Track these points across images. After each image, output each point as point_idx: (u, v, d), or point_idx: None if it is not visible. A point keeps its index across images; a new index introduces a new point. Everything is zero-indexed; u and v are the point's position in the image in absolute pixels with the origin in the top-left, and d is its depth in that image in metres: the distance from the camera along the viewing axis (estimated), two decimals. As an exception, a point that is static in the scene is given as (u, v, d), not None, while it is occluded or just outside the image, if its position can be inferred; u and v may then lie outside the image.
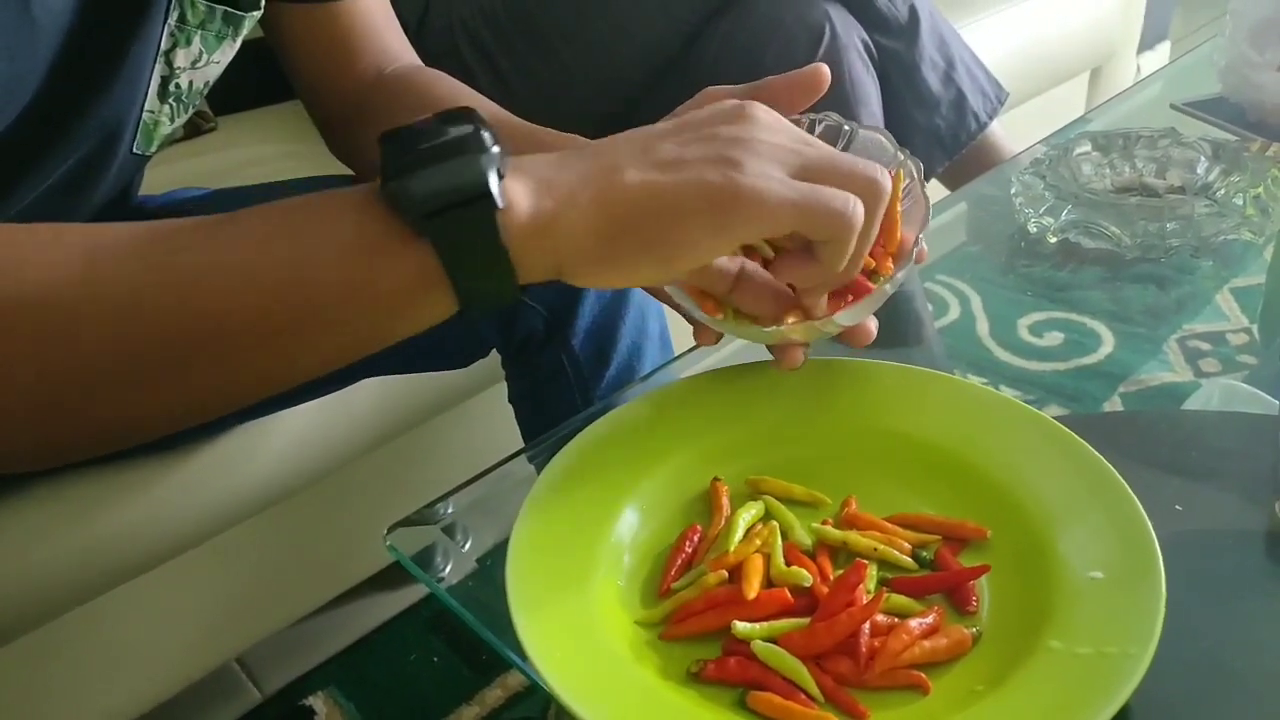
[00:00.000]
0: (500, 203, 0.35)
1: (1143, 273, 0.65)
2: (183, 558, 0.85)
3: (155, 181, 0.74)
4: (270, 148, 1.05)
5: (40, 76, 0.51)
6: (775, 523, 0.42)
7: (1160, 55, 1.91)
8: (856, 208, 0.37)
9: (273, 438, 0.84)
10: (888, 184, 0.38)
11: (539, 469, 0.52)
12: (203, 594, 0.90)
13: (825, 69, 0.43)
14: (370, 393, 0.88)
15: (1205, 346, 0.61)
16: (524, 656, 0.35)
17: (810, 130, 0.46)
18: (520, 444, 0.78)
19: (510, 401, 0.78)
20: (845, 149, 0.47)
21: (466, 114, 0.38)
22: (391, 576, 1.07)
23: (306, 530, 0.95)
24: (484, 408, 1.01)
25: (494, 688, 1.00)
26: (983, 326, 0.64)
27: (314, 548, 0.97)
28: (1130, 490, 0.39)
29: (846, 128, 0.47)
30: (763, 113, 0.39)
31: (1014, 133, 1.18)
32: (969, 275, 0.68)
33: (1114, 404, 0.57)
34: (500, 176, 0.36)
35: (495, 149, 0.36)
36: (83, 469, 0.77)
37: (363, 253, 0.36)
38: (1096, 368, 0.59)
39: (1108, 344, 0.61)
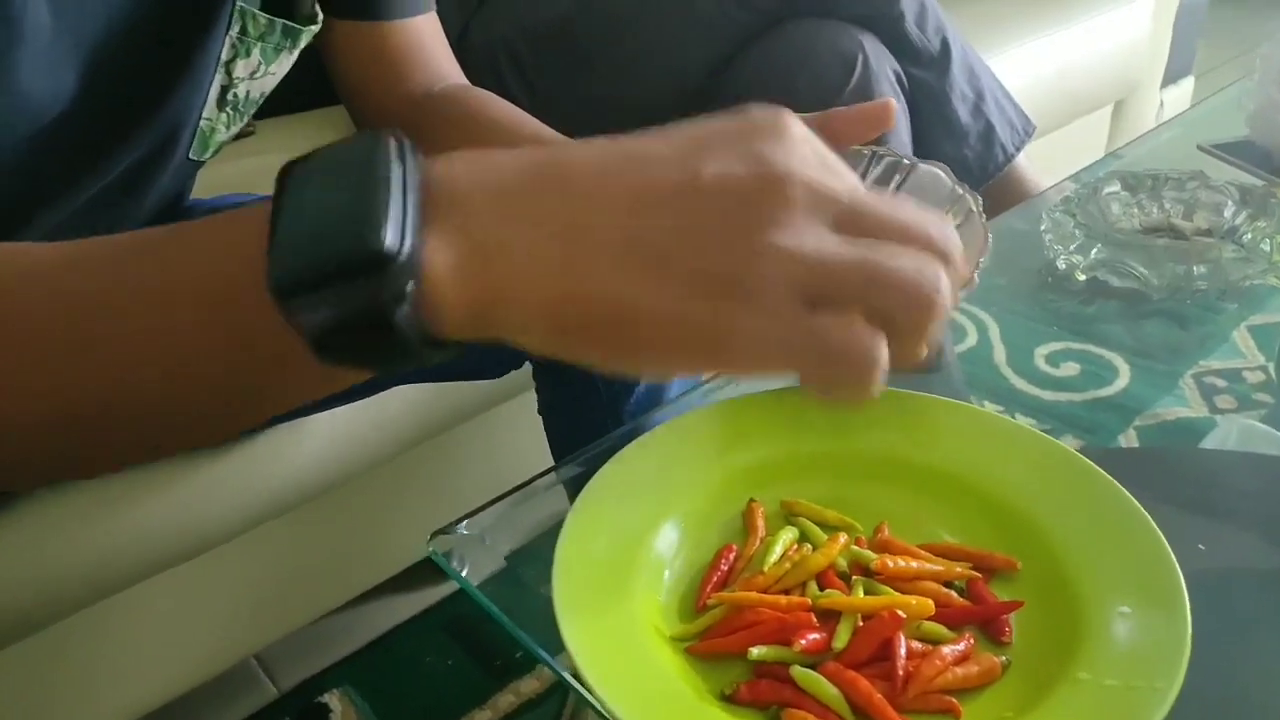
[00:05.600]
0: (410, 322, 0.27)
1: (1160, 308, 0.65)
2: (206, 555, 0.86)
3: (195, 184, 0.76)
4: (308, 154, 1.07)
5: (96, 77, 0.53)
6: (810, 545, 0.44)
7: (1184, 90, 1.92)
8: (875, 352, 0.29)
9: (305, 440, 0.86)
10: (942, 297, 0.30)
11: (567, 486, 0.53)
12: (224, 591, 0.91)
13: (893, 104, 0.44)
14: (401, 400, 0.89)
15: (1221, 383, 0.61)
16: (573, 667, 0.36)
17: (869, 165, 0.48)
18: (545, 454, 0.79)
19: (539, 412, 0.80)
20: (903, 182, 0.48)
21: (370, 162, 0.28)
22: (409, 579, 1.08)
23: (328, 531, 0.97)
24: (507, 416, 1.02)
25: (507, 693, 1.01)
26: (1000, 354, 0.64)
27: (335, 549, 0.99)
28: (1156, 527, 0.41)
29: (906, 162, 0.48)
30: (800, 187, 0.29)
31: (1038, 164, 1.19)
32: (988, 303, 0.68)
33: (1129, 437, 0.58)
34: (411, 262, 0.27)
35: (402, 247, 0.27)
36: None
37: (253, 361, 0.30)
38: (1112, 400, 0.60)
39: (1124, 377, 0.62)
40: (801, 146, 0.30)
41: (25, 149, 0.52)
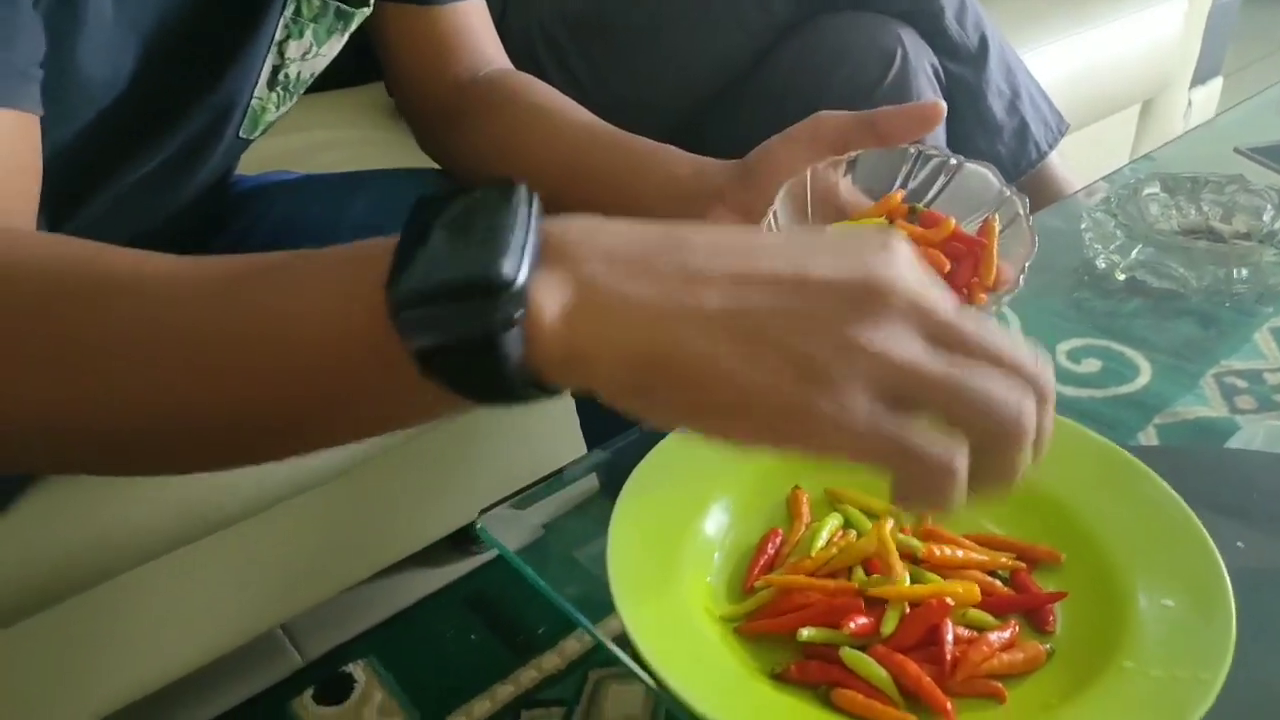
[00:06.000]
0: (516, 352, 0.29)
1: (1184, 307, 0.66)
2: (236, 528, 0.88)
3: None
4: (345, 132, 1.08)
5: (152, 55, 0.54)
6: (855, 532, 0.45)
7: (1212, 90, 1.91)
8: (954, 466, 0.29)
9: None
10: (1027, 422, 0.30)
11: (600, 472, 0.54)
12: (253, 563, 0.93)
13: (942, 105, 0.45)
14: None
15: (1242, 384, 0.61)
16: (631, 645, 0.38)
17: (915, 164, 0.49)
18: (569, 434, 0.80)
19: (573, 394, 0.81)
20: (948, 183, 0.48)
21: (501, 202, 0.30)
22: (433, 554, 1.10)
23: (354, 507, 0.98)
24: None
25: (529, 669, 1.02)
26: None
27: (360, 523, 1.00)
28: (1198, 522, 0.42)
29: (953, 162, 0.49)
30: (901, 298, 0.30)
31: (1065, 161, 1.20)
32: (1012, 298, 0.69)
33: (1149, 434, 0.58)
34: (524, 294, 0.28)
35: (518, 277, 0.28)
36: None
37: (359, 370, 0.31)
38: (1133, 397, 0.60)
39: (1145, 374, 0.62)
40: (908, 263, 0.31)
41: (85, 129, 0.53)
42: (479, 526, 0.52)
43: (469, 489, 1.04)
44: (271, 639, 1.08)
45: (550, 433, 1.04)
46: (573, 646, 1.04)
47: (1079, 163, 1.26)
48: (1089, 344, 0.65)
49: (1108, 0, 1.51)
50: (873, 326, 0.29)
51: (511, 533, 0.52)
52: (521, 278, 0.28)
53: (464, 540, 1.15)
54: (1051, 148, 1.11)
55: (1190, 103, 1.81)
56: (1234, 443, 0.58)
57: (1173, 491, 0.43)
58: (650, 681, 0.37)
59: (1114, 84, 1.54)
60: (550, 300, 0.29)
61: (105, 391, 0.32)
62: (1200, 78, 1.83)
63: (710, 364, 0.29)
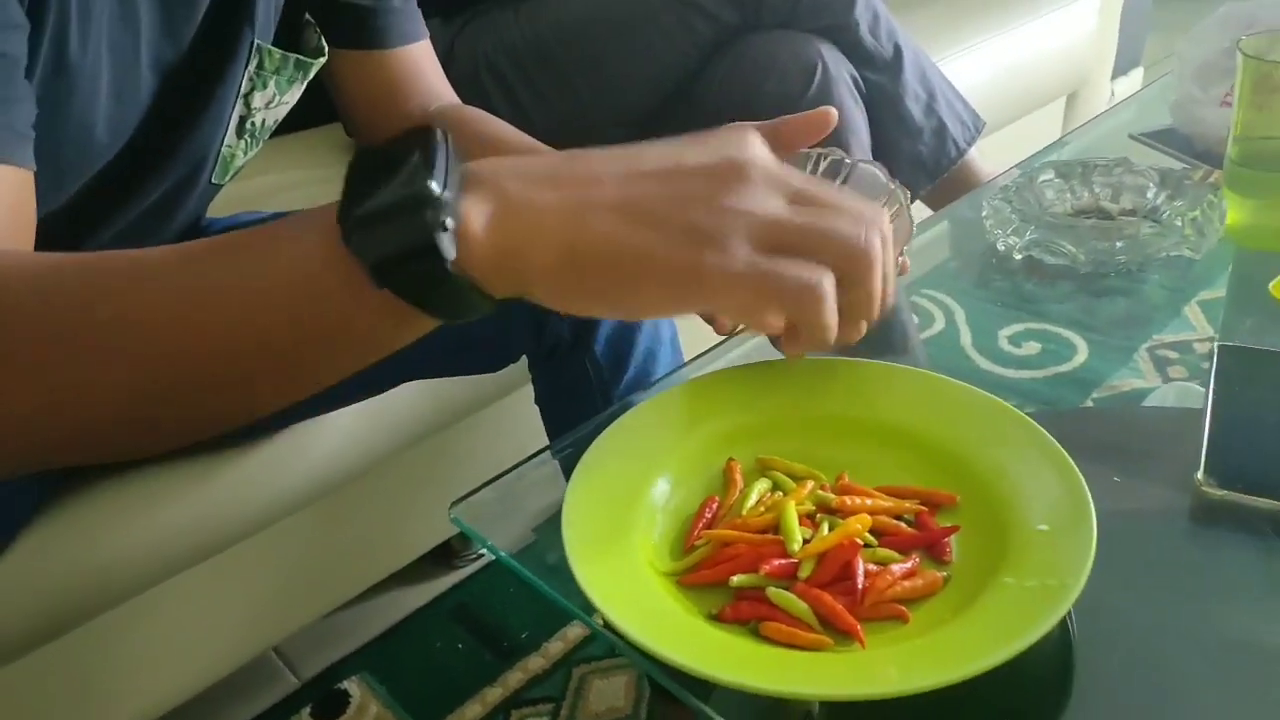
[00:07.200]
0: (451, 254, 0.34)
1: (1113, 286, 0.71)
2: (225, 554, 0.91)
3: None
4: (307, 171, 1.13)
5: (141, 116, 0.60)
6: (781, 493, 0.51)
7: (1134, 80, 2.01)
8: (821, 285, 0.36)
9: (322, 437, 0.91)
10: (874, 249, 0.37)
11: (564, 463, 0.60)
12: (243, 587, 0.95)
13: (833, 112, 0.51)
14: (405, 399, 0.95)
15: (1173, 355, 0.66)
16: (584, 599, 0.43)
17: (815, 164, 0.55)
18: (541, 440, 0.85)
19: (536, 403, 0.86)
20: (845, 180, 0.55)
21: (422, 142, 0.36)
22: (417, 570, 1.14)
23: (338, 528, 1.02)
24: (502, 412, 1.08)
25: (515, 670, 1.07)
26: (965, 337, 0.69)
27: (345, 544, 1.03)
28: (1072, 461, 0.48)
29: (847, 161, 0.55)
30: (759, 171, 0.37)
31: (995, 155, 1.27)
32: (952, 289, 0.74)
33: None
34: (452, 206, 0.34)
35: (444, 193, 0.34)
36: (141, 467, 0.84)
37: (330, 298, 0.36)
38: (1071, 375, 0.65)
39: (1082, 353, 0.67)
40: (760, 148, 0.39)
41: (81, 188, 0.58)
42: (452, 516, 0.57)
43: (445, 505, 1.08)
44: (266, 662, 1.11)
45: (520, 448, 1.09)
46: (556, 647, 1.09)
47: (1009, 156, 1.33)
48: (1028, 328, 0.69)
49: (1023, 2, 1.60)
50: (740, 194, 0.37)
51: (483, 519, 0.57)
52: (449, 194, 0.34)
53: (446, 555, 1.20)
54: (970, 145, 1.19)
55: (1113, 93, 1.90)
56: (1150, 402, 0.63)
57: (1051, 437, 0.49)
58: (611, 636, 0.42)
59: (1036, 81, 1.63)
60: (476, 213, 0.35)
61: (117, 367, 0.37)
62: (1121, 69, 1.93)
63: (615, 242, 0.36)
